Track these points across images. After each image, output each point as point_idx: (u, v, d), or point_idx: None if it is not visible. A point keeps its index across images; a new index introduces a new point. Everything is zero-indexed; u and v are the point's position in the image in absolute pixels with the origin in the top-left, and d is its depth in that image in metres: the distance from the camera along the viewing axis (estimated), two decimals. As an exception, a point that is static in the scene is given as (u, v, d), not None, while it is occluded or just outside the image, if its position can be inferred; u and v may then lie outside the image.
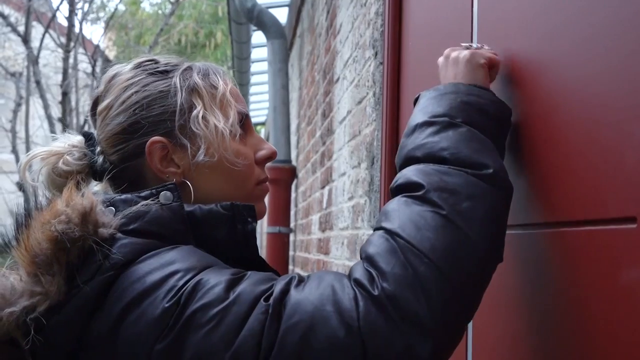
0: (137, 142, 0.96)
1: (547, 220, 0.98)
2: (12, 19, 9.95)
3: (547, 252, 0.98)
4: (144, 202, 0.87)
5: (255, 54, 7.01)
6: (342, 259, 2.63)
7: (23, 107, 10.35)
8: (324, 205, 3.29)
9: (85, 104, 10.83)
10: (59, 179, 0.97)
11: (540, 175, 1.00)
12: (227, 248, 0.92)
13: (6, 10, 10.36)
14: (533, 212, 1.02)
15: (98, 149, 0.99)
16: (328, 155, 3.22)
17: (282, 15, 5.93)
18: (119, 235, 0.84)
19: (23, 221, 0.86)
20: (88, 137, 1.00)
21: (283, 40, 4.93)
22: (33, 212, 0.86)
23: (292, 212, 4.94)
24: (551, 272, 0.96)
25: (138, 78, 0.98)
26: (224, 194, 0.97)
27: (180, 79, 0.99)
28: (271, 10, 5.12)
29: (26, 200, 0.99)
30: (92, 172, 0.99)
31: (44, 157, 0.99)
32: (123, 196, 0.90)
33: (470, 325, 1.25)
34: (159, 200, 0.89)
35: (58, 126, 9.46)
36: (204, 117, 0.96)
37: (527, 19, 1.08)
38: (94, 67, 10.14)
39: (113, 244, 0.82)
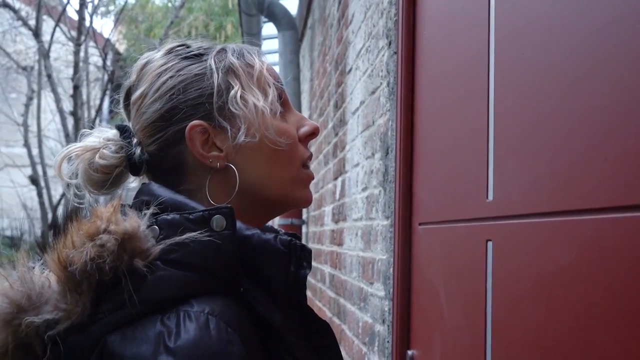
0: (176, 128, 0.92)
1: (574, 208, 0.97)
2: (23, 13, 9.98)
3: (572, 240, 0.97)
4: (191, 235, 0.81)
5: (266, 45, 6.99)
6: (356, 250, 2.63)
7: (35, 101, 10.39)
8: (337, 196, 3.29)
9: (96, 97, 10.87)
10: (96, 175, 0.93)
11: (568, 161, 0.99)
12: (276, 286, 0.87)
13: (17, 4, 10.39)
14: (559, 199, 1.01)
15: (135, 140, 0.94)
16: (341, 146, 3.20)
17: (292, 6, 5.91)
18: (158, 264, 0.80)
19: (62, 226, 0.82)
20: (123, 129, 0.96)
21: (294, 31, 4.91)
22: (73, 218, 0.82)
23: (304, 204, 4.93)
24: (577, 261, 0.95)
25: (171, 63, 0.95)
26: (269, 177, 0.94)
27: (215, 60, 0.95)
28: (281, 2, 5.10)
29: (66, 201, 0.95)
30: (129, 165, 0.94)
31: (78, 153, 0.94)
32: (170, 216, 0.83)
33: (489, 316, 1.24)
34: (208, 230, 0.82)
35: (70, 119, 9.50)
36: (242, 97, 0.92)
37: (546, 6, 1.07)
38: (104, 60, 10.16)
39: (149, 274, 0.79)
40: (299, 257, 0.88)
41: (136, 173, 0.96)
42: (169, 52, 0.97)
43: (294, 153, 0.97)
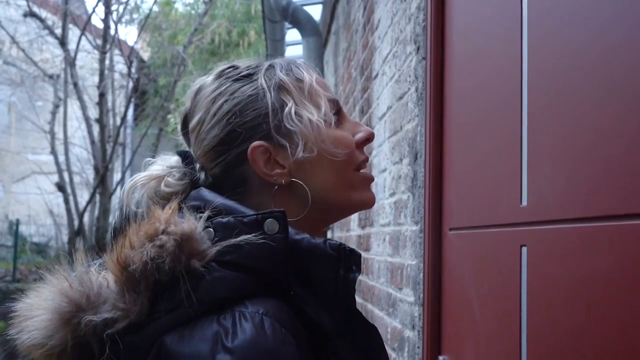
0: (237, 150, 0.94)
1: (611, 213, 0.96)
2: (49, 22, 10.12)
3: (610, 246, 0.96)
4: (246, 237, 0.83)
5: (290, 51, 7.02)
6: (384, 255, 2.62)
7: (61, 109, 10.52)
8: (364, 201, 3.28)
9: (121, 104, 10.98)
10: (163, 202, 0.94)
11: (604, 165, 0.98)
12: (326, 290, 0.89)
13: (43, 13, 10.54)
14: (596, 204, 1.00)
15: (197, 165, 0.97)
16: (367, 151, 3.20)
17: (315, 12, 5.93)
18: (213, 265, 0.82)
19: (122, 228, 0.85)
20: (184, 156, 0.99)
21: (318, 37, 4.93)
22: (132, 220, 0.85)
23: (329, 209, 4.93)
24: (615, 267, 0.94)
25: (224, 87, 0.97)
26: (332, 186, 0.96)
27: (265, 79, 0.97)
28: (305, 8, 5.12)
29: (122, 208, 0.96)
30: (195, 189, 0.96)
31: (144, 182, 0.97)
32: (225, 219, 0.85)
33: (524, 321, 1.23)
34: (262, 233, 0.84)
35: (95, 127, 9.61)
36: (296, 113, 0.94)
37: (581, 8, 1.06)
38: (129, 68, 10.28)
39: (205, 275, 0.81)
40: (348, 261, 0.89)
41: None
42: (220, 75, 1.00)
43: (352, 160, 0.99)
